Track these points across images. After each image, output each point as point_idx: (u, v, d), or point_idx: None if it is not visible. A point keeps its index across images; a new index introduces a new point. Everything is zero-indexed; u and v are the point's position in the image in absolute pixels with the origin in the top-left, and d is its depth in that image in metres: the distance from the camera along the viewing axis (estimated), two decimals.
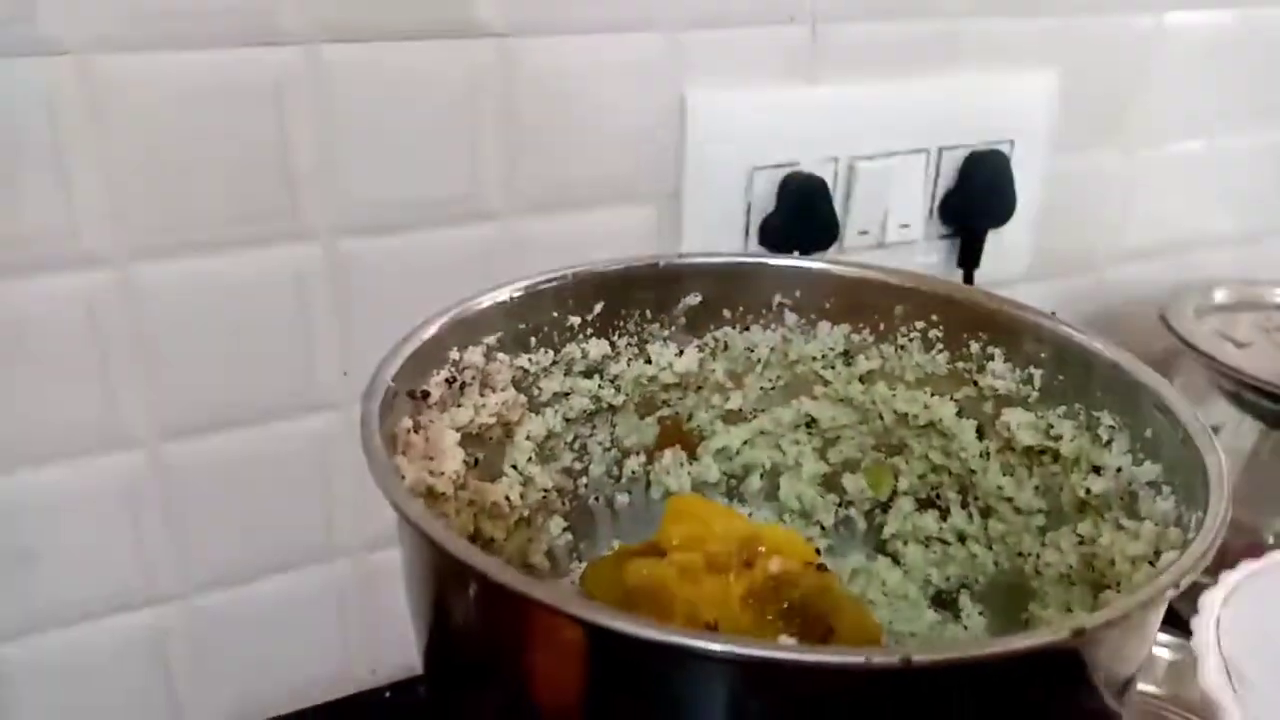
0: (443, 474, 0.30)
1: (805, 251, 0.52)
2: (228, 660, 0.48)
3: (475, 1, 0.42)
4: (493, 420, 0.34)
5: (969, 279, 0.57)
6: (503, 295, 0.34)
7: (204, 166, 0.40)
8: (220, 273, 0.42)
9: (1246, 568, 0.38)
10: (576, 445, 0.39)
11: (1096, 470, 0.33)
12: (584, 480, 0.40)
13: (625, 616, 0.21)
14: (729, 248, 0.51)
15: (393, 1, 0.41)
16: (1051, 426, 0.35)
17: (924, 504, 0.40)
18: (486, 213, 0.46)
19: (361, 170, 0.43)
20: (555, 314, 0.36)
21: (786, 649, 0.21)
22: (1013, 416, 0.36)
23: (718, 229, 0.51)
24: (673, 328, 0.39)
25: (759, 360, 0.40)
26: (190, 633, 0.47)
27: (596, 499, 0.40)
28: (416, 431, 0.30)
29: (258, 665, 0.50)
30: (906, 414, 0.39)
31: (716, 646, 0.20)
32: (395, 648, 0.51)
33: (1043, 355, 0.35)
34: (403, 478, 0.28)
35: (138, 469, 0.43)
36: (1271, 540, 0.51)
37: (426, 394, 0.31)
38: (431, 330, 0.31)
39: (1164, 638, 0.49)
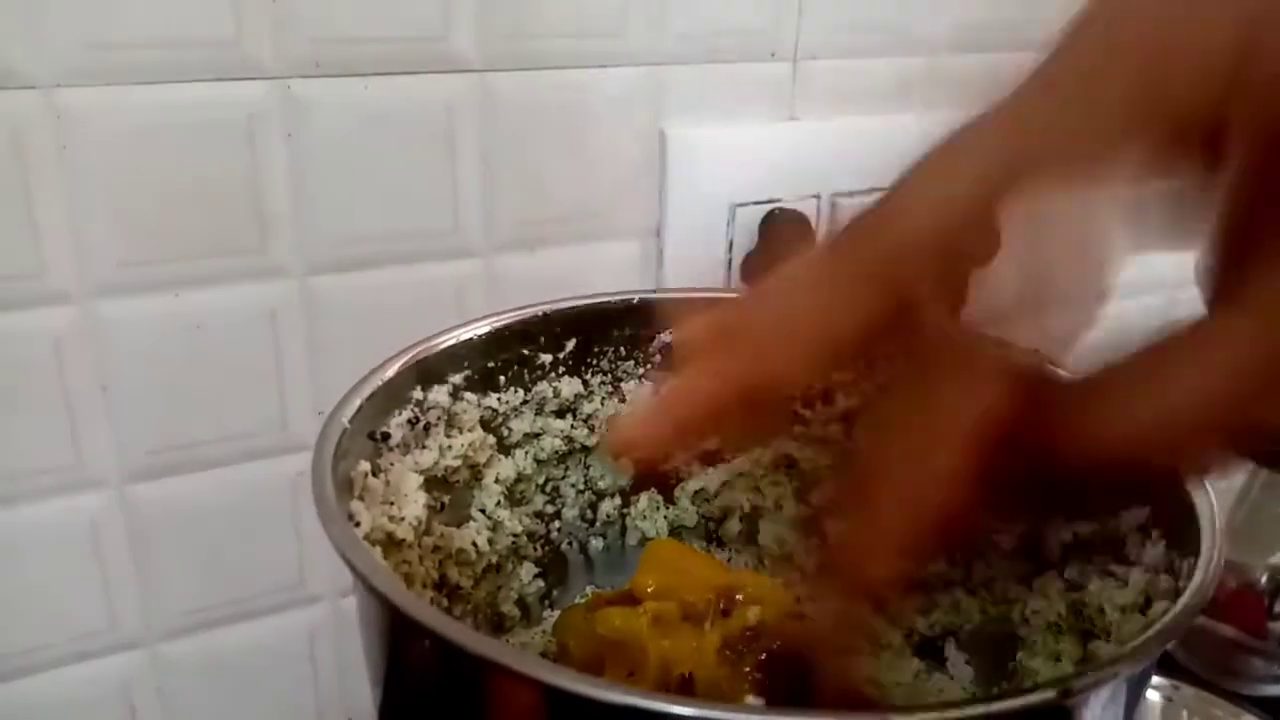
0: (403, 519, 0.29)
1: None
2: (196, 709, 0.47)
3: (452, 35, 0.42)
4: (459, 462, 0.33)
5: None
6: (468, 334, 0.33)
7: (173, 202, 0.40)
8: (189, 310, 0.41)
9: None
10: (548, 488, 0.38)
11: None
12: (556, 524, 0.39)
13: (582, 678, 0.19)
14: (711, 285, 0.51)
15: (367, 35, 0.41)
16: None
17: None
18: (464, 249, 0.45)
19: (335, 206, 0.42)
20: (525, 352, 0.35)
21: (756, 711, 0.20)
22: None
23: (700, 266, 0.50)
24: (648, 365, 0.38)
25: None
26: (157, 681, 0.46)
27: (570, 544, 0.39)
28: (376, 475, 0.29)
29: (227, 715, 0.48)
30: None
31: (681, 710, 0.19)
32: (370, 696, 0.50)
33: None
34: (357, 524, 0.26)
35: (103, 511, 0.42)
36: (1264, 579, 0.50)
37: (387, 435, 0.30)
38: (392, 370, 0.30)
39: (1155, 680, 0.48)
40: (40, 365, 0.39)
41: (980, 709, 0.19)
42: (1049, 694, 0.19)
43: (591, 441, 0.38)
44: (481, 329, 0.34)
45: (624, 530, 0.40)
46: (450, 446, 0.33)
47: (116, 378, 0.41)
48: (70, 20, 0.36)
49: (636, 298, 0.37)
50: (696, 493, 0.40)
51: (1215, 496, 0.27)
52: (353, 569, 0.22)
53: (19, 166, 0.37)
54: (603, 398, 0.38)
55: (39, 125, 0.37)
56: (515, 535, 0.36)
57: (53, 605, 0.43)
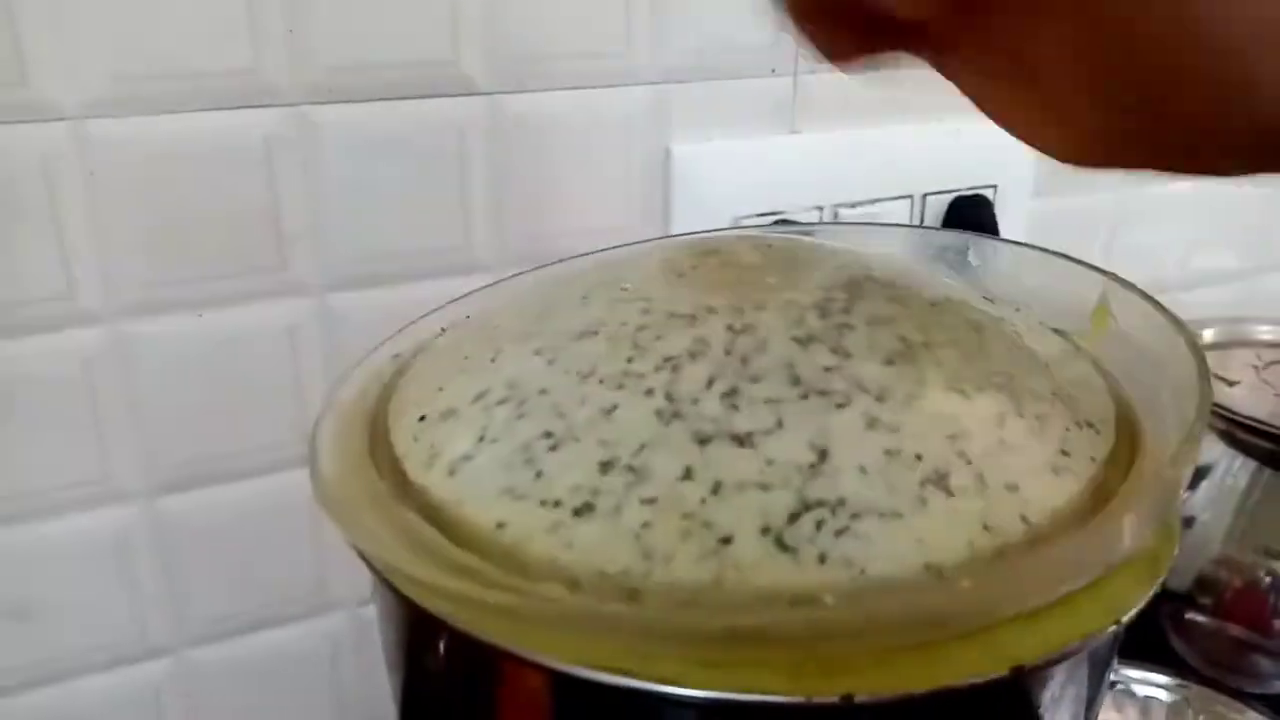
0: None
1: None
2: (222, 715, 0.48)
3: (461, 60, 0.43)
4: None
5: None
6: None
7: (196, 225, 0.41)
8: (213, 328, 0.43)
9: None
10: None
11: None
12: None
13: (600, 666, 0.20)
14: None
15: (379, 62, 0.42)
16: None
17: None
18: (475, 265, 0.47)
19: (351, 226, 0.44)
20: None
21: (762, 690, 0.21)
22: None
23: None
24: None
25: None
26: (184, 687, 0.47)
27: None
28: None
29: (253, 719, 0.49)
30: None
31: (693, 693, 0.20)
32: (391, 702, 0.51)
33: None
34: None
35: (131, 523, 0.44)
36: (1268, 580, 0.50)
37: None
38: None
39: (1161, 679, 0.49)
40: (71, 383, 0.41)
41: (934, 686, 0.19)
42: (1000, 670, 0.19)
43: None
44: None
45: None
46: None
47: (143, 395, 0.42)
48: (97, 55, 0.38)
49: None
50: None
51: (1184, 486, 0.28)
52: (366, 561, 0.23)
53: (49, 194, 0.39)
54: None
55: (68, 154, 0.38)
56: None
57: (84, 614, 0.44)
